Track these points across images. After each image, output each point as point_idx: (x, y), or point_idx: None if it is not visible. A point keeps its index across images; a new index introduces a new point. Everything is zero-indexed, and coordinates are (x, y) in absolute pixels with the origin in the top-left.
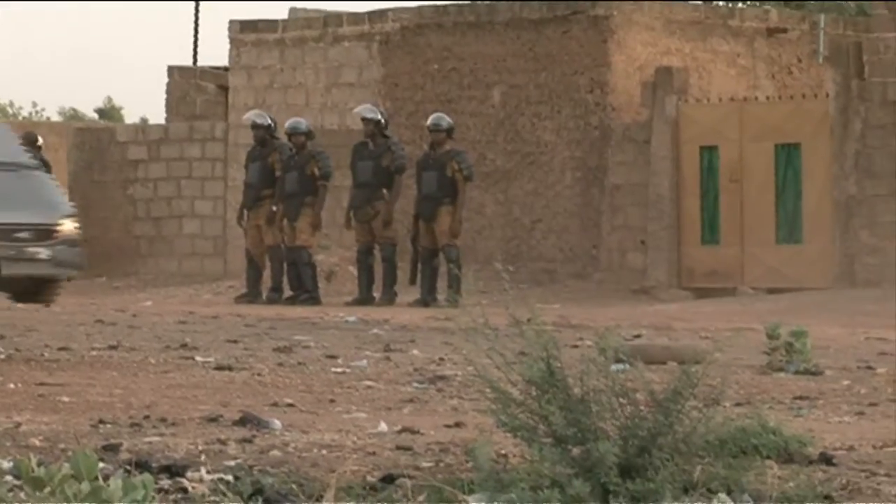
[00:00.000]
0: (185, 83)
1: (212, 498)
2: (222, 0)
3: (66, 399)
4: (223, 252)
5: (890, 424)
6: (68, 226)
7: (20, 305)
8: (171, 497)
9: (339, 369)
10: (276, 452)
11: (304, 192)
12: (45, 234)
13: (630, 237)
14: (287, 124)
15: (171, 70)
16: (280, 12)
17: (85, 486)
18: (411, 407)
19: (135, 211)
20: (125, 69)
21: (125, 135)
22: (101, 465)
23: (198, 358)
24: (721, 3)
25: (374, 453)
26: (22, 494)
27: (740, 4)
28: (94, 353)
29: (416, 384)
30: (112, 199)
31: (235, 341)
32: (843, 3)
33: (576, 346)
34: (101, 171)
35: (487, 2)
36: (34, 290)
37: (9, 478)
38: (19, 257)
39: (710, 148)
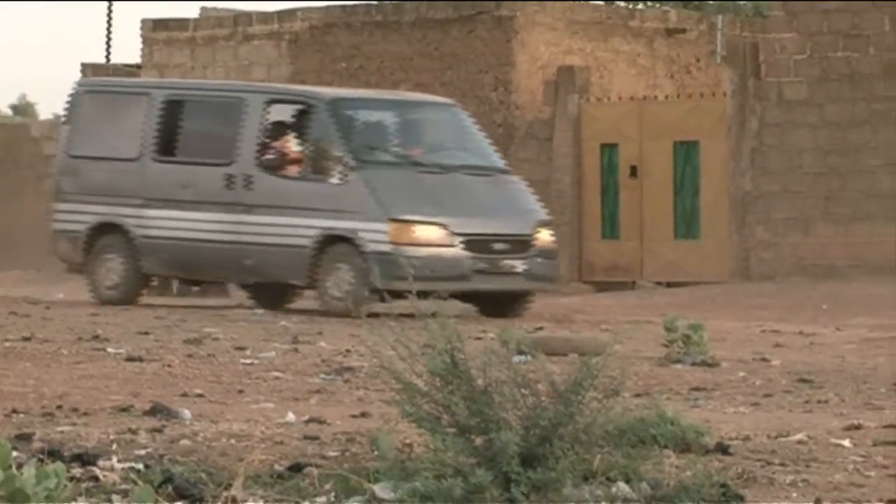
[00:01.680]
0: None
1: (122, 486)
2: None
3: None
4: None
5: (784, 415)
6: (544, 235)
7: None
8: (83, 485)
9: (247, 360)
10: (185, 442)
11: None
12: (521, 245)
13: None
14: None
15: (85, 67)
16: (192, 11)
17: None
18: (318, 397)
19: (48, 205)
20: (39, 66)
21: (39, 130)
22: (14, 453)
23: (109, 349)
24: (621, 4)
25: (281, 443)
26: None
27: (640, 5)
28: (7, 344)
29: (323, 375)
30: (26, 194)
31: (146, 333)
32: (741, 4)
33: (479, 339)
34: (15, 167)
35: (394, 2)
36: (504, 303)
37: None
38: (493, 271)
39: (611, 145)
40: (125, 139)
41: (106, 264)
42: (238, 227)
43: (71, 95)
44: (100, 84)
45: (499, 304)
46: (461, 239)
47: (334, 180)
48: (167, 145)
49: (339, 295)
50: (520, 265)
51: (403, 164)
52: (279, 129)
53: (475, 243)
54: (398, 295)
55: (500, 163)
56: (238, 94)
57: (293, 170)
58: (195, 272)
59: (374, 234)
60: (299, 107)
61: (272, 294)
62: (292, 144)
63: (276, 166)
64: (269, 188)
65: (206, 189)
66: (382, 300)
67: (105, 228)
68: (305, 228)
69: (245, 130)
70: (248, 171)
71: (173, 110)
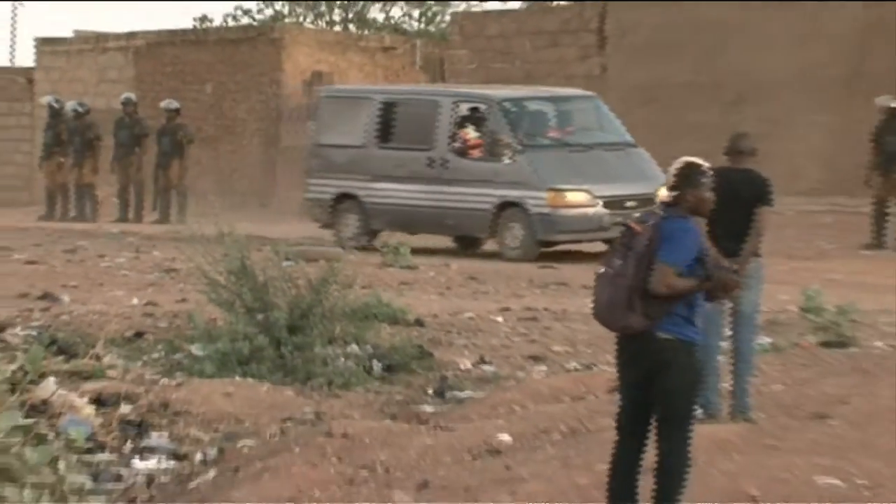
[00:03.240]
0: (2, 77)
1: (23, 346)
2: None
3: None
4: (30, 187)
5: (460, 301)
6: (664, 193)
7: None
8: None
9: (105, 263)
10: (65, 317)
11: (85, 149)
12: (646, 202)
13: (296, 180)
14: (72, 105)
15: None
16: (67, 31)
17: None
18: (153, 288)
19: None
20: None
21: None
22: None
23: (14, 255)
24: (353, 31)
25: (129, 318)
26: None
27: (366, 31)
28: None
29: (156, 274)
30: None
31: (39, 245)
32: (431, 31)
33: (260, 251)
34: None
35: (203, 26)
36: None
37: None
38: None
39: None
40: (355, 131)
41: (345, 222)
42: (438, 195)
43: (316, 99)
44: (336, 91)
45: None
46: (601, 200)
47: (506, 160)
48: (385, 135)
49: (513, 245)
50: None
51: (556, 146)
52: (465, 122)
53: (611, 203)
54: (556, 244)
55: (629, 139)
56: (434, 96)
57: (476, 153)
58: (409, 228)
59: (536, 199)
60: (478, 105)
61: (468, 242)
62: (474, 134)
63: (463, 151)
64: (460, 167)
65: (414, 168)
66: (546, 247)
67: (344, 197)
68: (487, 197)
69: (440, 124)
70: (444, 155)
71: (388, 109)
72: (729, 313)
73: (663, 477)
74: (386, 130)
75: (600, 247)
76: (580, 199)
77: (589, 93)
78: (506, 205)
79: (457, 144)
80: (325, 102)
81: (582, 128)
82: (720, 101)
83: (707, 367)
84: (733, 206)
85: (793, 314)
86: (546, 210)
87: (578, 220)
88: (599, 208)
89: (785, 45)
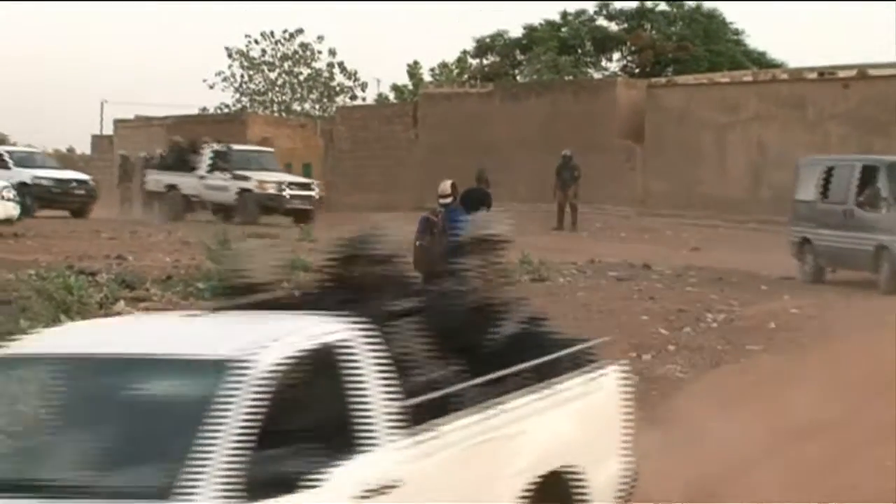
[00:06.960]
0: (97, 140)
1: (107, 283)
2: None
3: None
4: (111, 200)
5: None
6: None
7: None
8: (89, 282)
9: (152, 239)
10: (130, 267)
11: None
12: None
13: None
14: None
15: (94, 137)
16: (131, 115)
17: (63, 280)
18: (178, 253)
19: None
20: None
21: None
22: (68, 273)
23: (102, 235)
24: (283, 115)
25: (164, 268)
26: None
27: (290, 116)
28: (74, 231)
29: (179, 245)
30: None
31: (115, 229)
32: (325, 115)
33: (234, 234)
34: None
35: (204, 113)
36: None
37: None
38: None
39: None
40: (810, 189)
41: (805, 260)
42: (848, 239)
43: (797, 166)
44: (806, 160)
45: None
46: None
47: (882, 211)
48: (824, 192)
49: (885, 278)
50: None
51: None
52: (864, 181)
53: None
54: None
55: None
56: (853, 162)
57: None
58: (838, 265)
59: None
60: (871, 167)
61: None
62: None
63: (863, 204)
64: (861, 217)
65: (834, 219)
66: None
67: (805, 241)
68: (868, 241)
69: (851, 183)
70: (851, 207)
71: (828, 172)
72: None
73: None
74: (825, 189)
75: None
76: None
77: None
78: (881, 248)
79: (860, 199)
80: (801, 169)
81: None
82: (478, 153)
83: None
84: (475, 206)
85: (513, 264)
86: None
87: None
88: None
89: (511, 123)
